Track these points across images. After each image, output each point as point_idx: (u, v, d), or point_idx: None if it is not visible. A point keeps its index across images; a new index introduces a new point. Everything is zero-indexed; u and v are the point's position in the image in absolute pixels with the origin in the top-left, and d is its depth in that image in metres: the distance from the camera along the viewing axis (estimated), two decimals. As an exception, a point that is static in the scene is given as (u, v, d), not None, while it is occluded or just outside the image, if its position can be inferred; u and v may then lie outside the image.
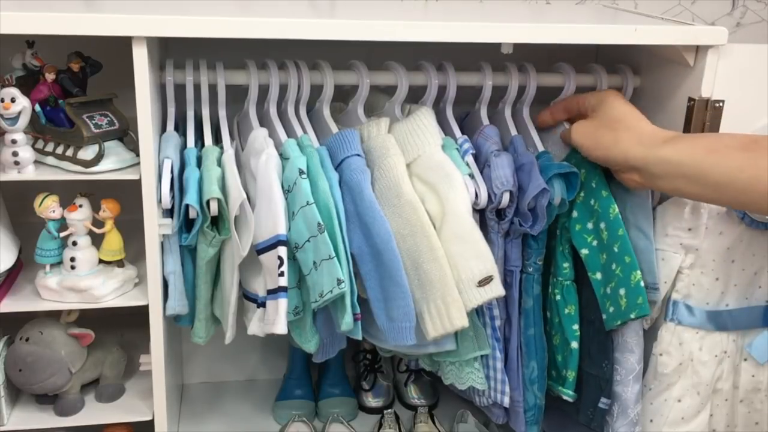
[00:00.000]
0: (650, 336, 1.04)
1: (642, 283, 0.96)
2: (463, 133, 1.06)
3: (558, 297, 1.04)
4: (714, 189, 0.86)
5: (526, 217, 1.00)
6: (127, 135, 1.02)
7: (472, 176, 1.00)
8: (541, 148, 1.06)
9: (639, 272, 0.95)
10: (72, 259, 0.98)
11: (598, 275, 0.98)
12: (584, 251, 0.99)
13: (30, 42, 1.03)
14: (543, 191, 0.97)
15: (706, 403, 1.05)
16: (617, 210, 0.96)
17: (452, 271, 0.95)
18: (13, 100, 0.91)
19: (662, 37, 0.97)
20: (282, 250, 0.91)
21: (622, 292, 0.96)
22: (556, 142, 1.06)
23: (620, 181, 0.97)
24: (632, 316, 0.96)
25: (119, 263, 1.01)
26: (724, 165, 0.85)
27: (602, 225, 0.96)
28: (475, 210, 1.00)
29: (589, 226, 0.98)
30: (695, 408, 1.04)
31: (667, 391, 1.03)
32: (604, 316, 0.99)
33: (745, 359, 1.05)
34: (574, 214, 1.00)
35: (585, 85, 1.12)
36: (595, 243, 0.98)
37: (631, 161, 0.91)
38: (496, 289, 0.96)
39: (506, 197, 0.99)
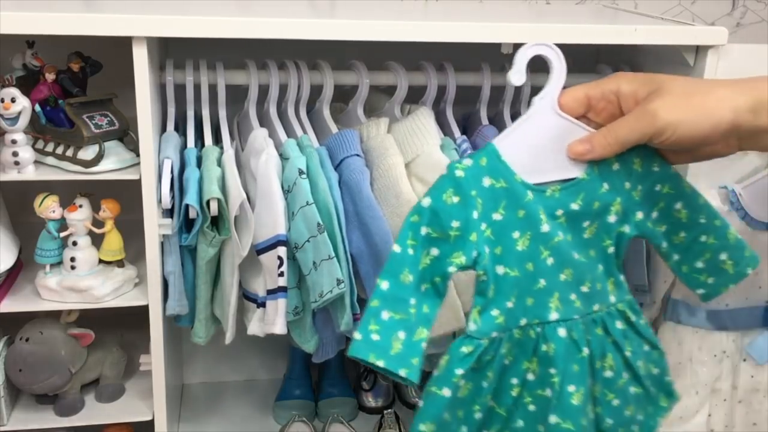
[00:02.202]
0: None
1: (739, 236, 0.83)
2: (465, 134, 1.06)
3: (633, 317, 0.84)
4: None
5: None
6: (127, 135, 1.02)
7: None
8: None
9: (732, 227, 0.82)
10: (72, 259, 0.98)
11: (675, 257, 0.83)
12: (664, 245, 0.82)
13: (30, 42, 1.03)
14: None
15: (705, 403, 1.05)
16: (688, 182, 0.81)
17: None
18: (13, 100, 0.91)
19: (662, 37, 0.97)
20: (282, 250, 0.91)
21: (723, 256, 0.82)
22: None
23: (700, 158, 0.80)
24: (749, 271, 0.83)
25: (119, 263, 1.01)
26: None
27: (678, 205, 0.81)
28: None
29: (654, 215, 0.81)
30: (693, 407, 1.04)
31: (666, 391, 1.04)
32: (701, 291, 0.84)
33: (744, 359, 1.05)
34: (639, 215, 0.81)
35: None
36: (664, 228, 0.82)
37: (741, 116, 0.73)
38: None
39: None
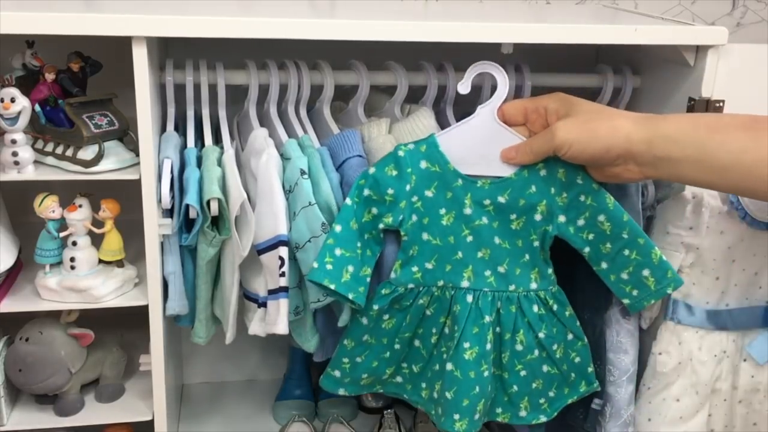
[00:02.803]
0: (650, 335, 1.05)
1: (665, 257, 0.94)
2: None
3: (555, 306, 0.98)
4: (717, 171, 0.82)
5: None
6: (127, 135, 1.02)
7: None
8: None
9: (657, 249, 0.93)
10: (72, 259, 0.98)
11: (604, 265, 0.95)
12: (586, 249, 0.94)
13: (30, 42, 1.03)
14: None
15: (705, 403, 1.05)
16: (613, 198, 0.92)
17: None
18: (13, 100, 0.91)
19: (662, 37, 0.97)
20: (283, 251, 0.91)
21: (645, 273, 0.94)
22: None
23: (609, 179, 0.91)
24: (669, 290, 0.95)
25: (119, 263, 1.01)
26: (728, 146, 0.82)
27: (601, 218, 0.92)
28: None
29: (580, 222, 0.93)
30: (694, 407, 1.04)
31: (665, 390, 1.04)
32: (626, 301, 0.96)
33: (745, 360, 1.05)
34: (561, 218, 0.94)
35: (590, 86, 1.12)
36: (591, 237, 0.94)
37: (635, 145, 0.85)
38: None
39: None
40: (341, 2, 1.17)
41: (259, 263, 0.95)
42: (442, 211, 0.94)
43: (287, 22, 0.89)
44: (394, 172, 0.92)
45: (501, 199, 0.93)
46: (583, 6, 1.38)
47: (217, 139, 1.02)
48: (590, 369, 1.01)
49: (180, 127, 1.04)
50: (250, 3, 1.10)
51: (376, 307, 0.95)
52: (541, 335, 0.97)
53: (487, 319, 0.95)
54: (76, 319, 1.05)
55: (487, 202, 0.93)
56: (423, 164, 0.93)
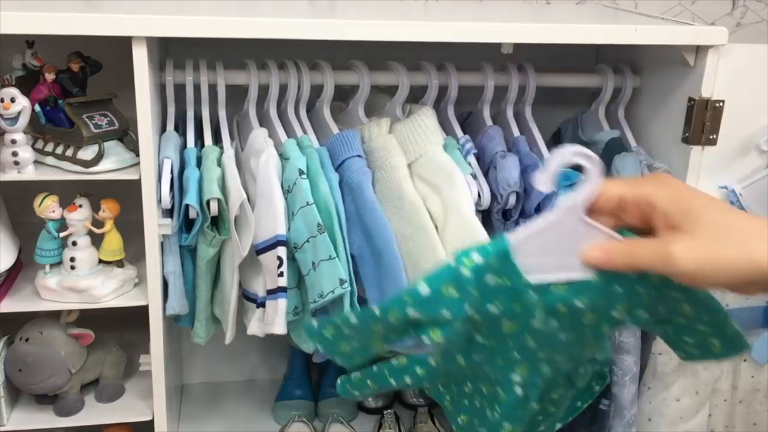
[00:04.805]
0: (650, 335, 1.05)
1: (738, 327, 0.78)
2: (465, 133, 1.06)
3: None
4: None
5: (532, 218, 1.00)
6: (127, 135, 1.02)
7: (474, 176, 1.00)
8: (544, 148, 1.06)
9: (734, 322, 0.77)
10: (72, 259, 0.98)
11: (667, 327, 0.80)
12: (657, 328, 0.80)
13: (30, 42, 1.03)
14: (550, 194, 0.95)
15: (705, 403, 1.05)
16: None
17: None
18: (12, 100, 0.91)
19: (662, 37, 0.97)
20: (281, 251, 0.91)
21: (714, 341, 0.79)
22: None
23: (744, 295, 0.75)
24: (733, 356, 0.81)
25: (119, 263, 1.01)
26: None
27: (686, 308, 0.76)
28: (477, 210, 1.00)
29: (661, 311, 0.77)
30: (694, 407, 1.04)
31: (666, 391, 1.04)
32: (680, 354, 0.81)
33: (745, 360, 1.05)
34: (642, 314, 0.75)
35: (590, 86, 1.12)
36: (662, 316, 0.78)
37: None
38: None
39: (513, 198, 0.99)
40: (341, 2, 1.17)
41: (258, 263, 0.95)
42: (504, 320, 0.76)
43: (287, 22, 0.89)
44: (455, 294, 0.73)
45: (578, 304, 0.76)
46: (583, 6, 1.38)
47: (217, 139, 1.02)
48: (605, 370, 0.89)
49: (180, 127, 1.04)
50: (250, 3, 1.10)
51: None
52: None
53: (534, 406, 0.80)
54: (76, 319, 1.05)
55: (560, 306, 0.76)
56: (490, 279, 0.74)
